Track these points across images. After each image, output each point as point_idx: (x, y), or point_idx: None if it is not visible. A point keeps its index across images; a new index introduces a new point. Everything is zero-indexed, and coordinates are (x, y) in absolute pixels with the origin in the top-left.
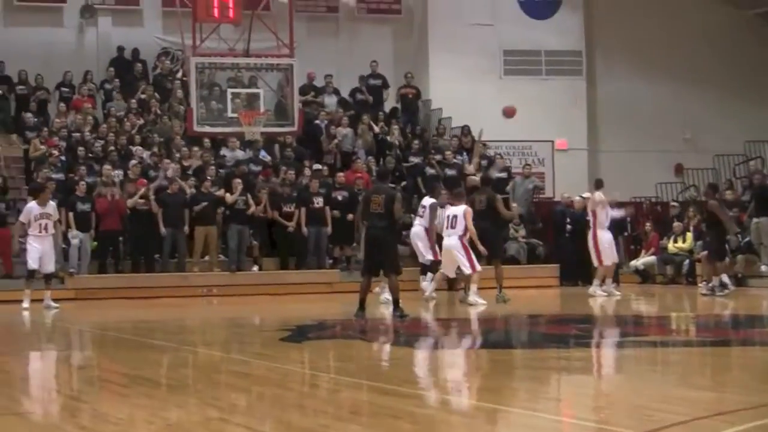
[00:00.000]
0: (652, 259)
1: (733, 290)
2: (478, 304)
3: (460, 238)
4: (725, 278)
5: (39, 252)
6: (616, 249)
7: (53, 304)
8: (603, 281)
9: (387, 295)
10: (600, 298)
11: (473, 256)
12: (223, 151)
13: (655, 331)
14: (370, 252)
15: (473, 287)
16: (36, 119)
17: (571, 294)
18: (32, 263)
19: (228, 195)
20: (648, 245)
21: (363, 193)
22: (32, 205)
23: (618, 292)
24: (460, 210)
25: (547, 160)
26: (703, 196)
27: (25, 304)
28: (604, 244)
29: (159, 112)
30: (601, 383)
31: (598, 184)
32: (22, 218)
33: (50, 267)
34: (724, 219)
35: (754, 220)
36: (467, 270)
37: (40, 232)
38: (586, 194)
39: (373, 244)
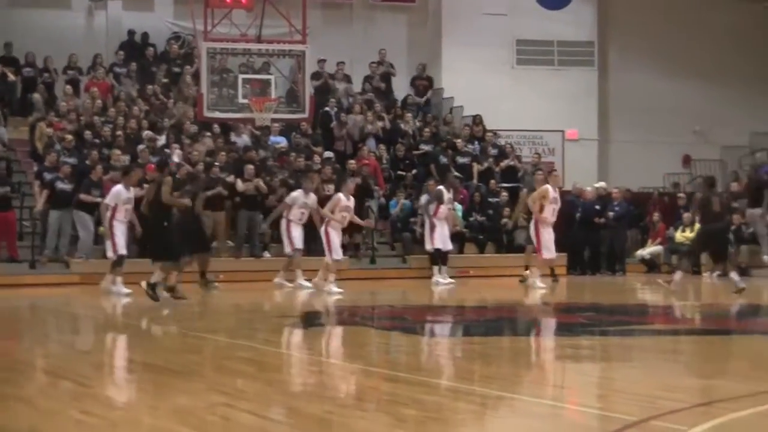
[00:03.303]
0: (658, 248)
1: (673, 290)
2: (332, 292)
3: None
4: (678, 275)
5: (125, 237)
6: (625, 239)
7: (124, 290)
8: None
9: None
10: (540, 289)
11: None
12: (234, 137)
13: (659, 320)
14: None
15: (330, 276)
16: (43, 102)
17: (578, 283)
18: (122, 249)
19: (239, 181)
20: (655, 235)
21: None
22: (120, 189)
23: (543, 285)
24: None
25: (557, 150)
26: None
27: (122, 289)
28: (544, 237)
29: (162, 97)
30: (604, 371)
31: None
32: (108, 201)
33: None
34: (695, 212)
35: (749, 210)
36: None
37: (125, 216)
38: (600, 184)
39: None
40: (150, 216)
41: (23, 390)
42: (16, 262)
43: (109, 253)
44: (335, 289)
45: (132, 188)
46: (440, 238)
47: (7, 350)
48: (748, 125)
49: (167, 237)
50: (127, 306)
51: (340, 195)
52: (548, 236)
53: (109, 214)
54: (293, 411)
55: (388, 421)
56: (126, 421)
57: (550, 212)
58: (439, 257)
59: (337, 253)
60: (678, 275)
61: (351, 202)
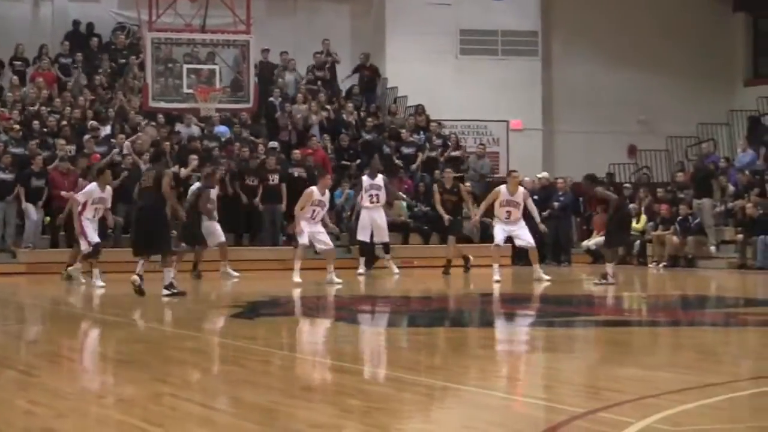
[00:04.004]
0: (603, 239)
1: (611, 283)
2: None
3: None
4: (609, 268)
5: (95, 228)
6: (571, 229)
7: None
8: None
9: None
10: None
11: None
12: (178, 127)
13: (605, 311)
14: (138, 230)
15: (296, 265)
16: None
17: (524, 274)
18: (95, 237)
19: (182, 169)
20: (600, 226)
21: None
22: (94, 187)
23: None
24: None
25: (502, 140)
26: (584, 188)
27: (98, 282)
28: (495, 229)
29: (106, 85)
30: (550, 362)
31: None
32: (79, 197)
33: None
34: (611, 199)
35: (695, 201)
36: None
37: (93, 215)
38: (542, 174)
39: (142, 221)
40: (148, 205)
41: None
42: None
43: (83, 247)
44: (296, 278)
45: (107, 189)
46: (362, 229)
47: None
48: (695, 116)
49: (167, 229)
50: (74, 296)
51: (314, 189)
52: (498, 228)
53: (78, 209)
54: (239, 401)
55: (334, 411)
56: (73, 411)
57: (503, 213)
58: (361, 249)
59: (303, 239)
60: (609, 268)
61: (325, 198)
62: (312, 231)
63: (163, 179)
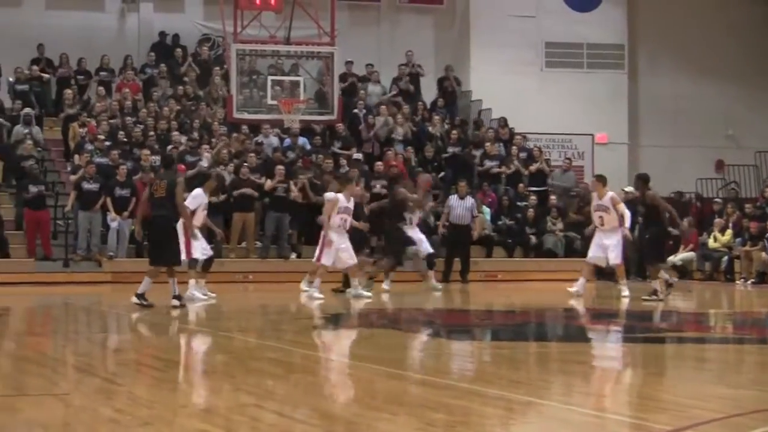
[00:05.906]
0: (690, 255)
1: (664, 298)
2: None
3: None
4: (657, 284)
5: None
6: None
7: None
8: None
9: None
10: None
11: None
12: (260, 138)
13: (692, 328)
14: (156, 241)
15: (316, 281)
16: (75, 100)
17: (606, 288)
18: (197, 254)
19: (268, 181)
20: (686, 241)
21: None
22: (198, 192)
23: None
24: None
25: (587, 154)
26: (635, 188)
27: (200, 295)
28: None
29: (191, 96)
30: (635, 379)
31: None
32: (190, 205)
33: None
34: (667, 209)
35: None
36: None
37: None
38: (629, 188)
39: (157, 233)
40: (160, 215)
41: (57, 386)
42: (50, 261)
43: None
44: (317, 294)
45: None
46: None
47: (41, 347)
48: None
49: (176, 241)
50: (157, 305)
51: (340, 196)
52: (594, 244)
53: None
54: (321, 413)
55: (416, 425)
56: (157, 420)
57: (596, 219)
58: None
59: (327, 259)
60: (665, 275)
61: (351, 204)
62: (338, 247)
63: (176, 188)
